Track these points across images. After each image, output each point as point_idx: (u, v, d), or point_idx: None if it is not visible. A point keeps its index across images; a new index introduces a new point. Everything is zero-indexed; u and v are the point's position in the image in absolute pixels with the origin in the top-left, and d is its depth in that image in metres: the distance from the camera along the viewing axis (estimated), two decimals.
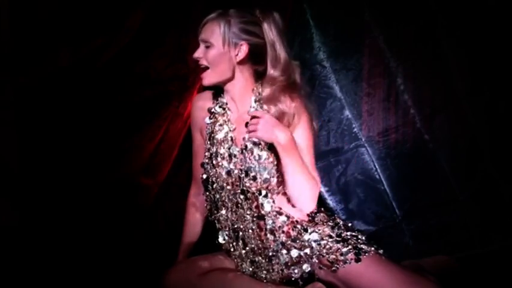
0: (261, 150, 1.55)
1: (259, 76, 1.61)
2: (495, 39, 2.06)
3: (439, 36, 2.06)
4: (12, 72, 1.84)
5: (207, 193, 1.64)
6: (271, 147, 1.54)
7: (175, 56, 1.94)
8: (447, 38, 2.06)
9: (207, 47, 1.55)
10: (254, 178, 1.54)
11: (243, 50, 1.54)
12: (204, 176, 1.63)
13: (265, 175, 1.54)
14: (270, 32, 1.53)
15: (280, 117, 1.52)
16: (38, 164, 1.91)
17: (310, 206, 1.59)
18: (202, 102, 1.69)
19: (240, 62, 1.56)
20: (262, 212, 1.55)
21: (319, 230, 1.56)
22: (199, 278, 1.54)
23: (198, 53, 1.56)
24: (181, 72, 1.95)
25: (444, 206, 2.11)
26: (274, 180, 1.55)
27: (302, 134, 1.56)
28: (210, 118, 1.65)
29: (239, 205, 1.57)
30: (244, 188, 1.55)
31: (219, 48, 1.54)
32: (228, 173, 1.58)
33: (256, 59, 1.58)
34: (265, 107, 1.55)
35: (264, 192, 1.55)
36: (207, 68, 1.57)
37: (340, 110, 2.13)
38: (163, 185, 2.01)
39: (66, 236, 1.91)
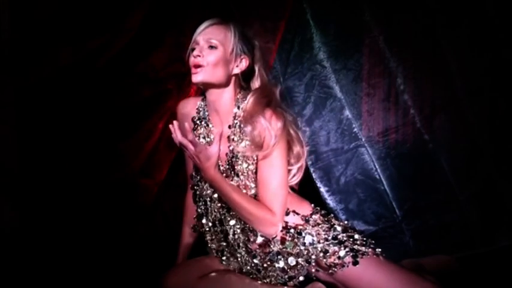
0: (245, 162, 1.51)
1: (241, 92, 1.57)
2: (495, 38, 2.06)
3: (439, 36, 2.06)
4: (12, 72, 1.84)
5: (195, 205, 1.63)
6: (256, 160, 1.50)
7: (174, 55, 1.94)
8: (447, 37, 2.06)
9: (212, 48, 1.47)
10: None
11: (244, 63, 1.53)
12: (194, 188, 1.61)
13: (253, 190, 1.52)
14: (259, 54, 1.56)
15: (252, 139, 1.46)
16: (38, 164, 1.91)
17: (266, 234, 1.49)
18: (187, 111, 1.62)
19: (235, 74, 1.53)
20: None
21: (314, 232, 1.53)
22: (198, 280, 1.54)
23: (200, 52, 1.47)
24: (180, 71, 1.95)
25: (444, 206, 2.11)
26: None
27: (266, 163, 1.47)
28: (194, 129, 1.58)
29: (227, 219, 1.55)
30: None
31: (225, 53, 1.48)
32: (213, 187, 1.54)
33: (245, 76, 1.55)
34: (245, 127, 1.49)
35: None
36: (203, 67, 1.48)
37: (340, 110, 2.13)
38: (162, 185, 2.01)
39: (66, 236, 1.91)
